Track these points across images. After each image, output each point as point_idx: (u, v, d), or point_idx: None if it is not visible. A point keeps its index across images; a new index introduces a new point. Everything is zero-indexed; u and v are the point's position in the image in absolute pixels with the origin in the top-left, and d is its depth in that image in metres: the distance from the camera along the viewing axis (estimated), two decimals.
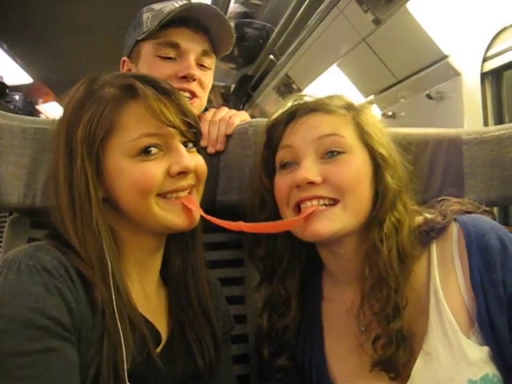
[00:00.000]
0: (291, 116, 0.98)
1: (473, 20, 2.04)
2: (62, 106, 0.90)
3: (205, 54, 1.30)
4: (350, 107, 0.98)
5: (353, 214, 0.90)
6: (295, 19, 3.00)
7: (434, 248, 0.92)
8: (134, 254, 0.89)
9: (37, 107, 6.71)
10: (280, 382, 1.03)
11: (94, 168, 0.83)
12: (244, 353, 1.21)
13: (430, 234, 0.93)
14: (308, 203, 0.90)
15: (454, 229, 0.91)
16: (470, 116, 2.07)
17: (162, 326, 0.91)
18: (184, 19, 1.26)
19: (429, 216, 0.95)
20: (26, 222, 1.15)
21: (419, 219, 0.95)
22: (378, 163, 0.92)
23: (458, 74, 2.13)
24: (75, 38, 4.50)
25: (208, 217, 0.89)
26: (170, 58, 1.26)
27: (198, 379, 0.93)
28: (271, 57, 3.70)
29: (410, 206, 0.95)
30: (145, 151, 0.83)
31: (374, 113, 1.02)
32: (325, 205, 0.90)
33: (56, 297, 0.72)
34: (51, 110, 7.03)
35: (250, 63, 4.21)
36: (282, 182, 0.94)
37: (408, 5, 2.07)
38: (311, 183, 0.89)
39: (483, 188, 1.16)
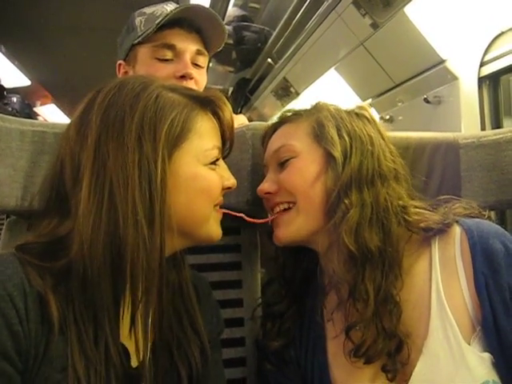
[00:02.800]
0: (271, 132, 1.09)
1: (470, 25, 2.05)
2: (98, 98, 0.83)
3: (199, 52, 1.37)
4: (314, 109, 1.05)
5: (307, 213, 0.96)
6: (293, 23, 3.01)
7: (435, 249, 0.93)
8: None
9: (35, 109, 6.73)
10: (279, 375, 1.04)
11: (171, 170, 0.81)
12: (241, 356, 1.20)
13: (428, 232, 0.93)
14: (274, 211, 1.01)
15: (457, 231, 0.92)
16: (467, 120, 2.07)
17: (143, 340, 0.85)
18: (177, 20, 1.31)
19: (428, 214, 0.96)
20: (24, 225, 1.14)
21: (418, 216, 0.95)
22: (328, 160, 0.95)
23: (455, 78, 2.13)
24: (73, 40, 4.51)
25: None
26: (167, 60, 1.32)
27: None
28: (269, 60, 3.71)
29: (383, 194, 0.93)
30: (213, 162, 0.88)
31: (340, 108, 1.05)
32: (284, 209, 0.99)
33: None
34: (49, 113, 7.03)
35: (248, 66, 4.22)
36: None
37: (406, 9, 2.08)
38: (269, 193, 1.01)
39: (480, 192, 1.16)
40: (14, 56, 4.81)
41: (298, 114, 1.05)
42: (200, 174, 0.86)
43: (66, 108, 7.06)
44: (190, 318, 0.95)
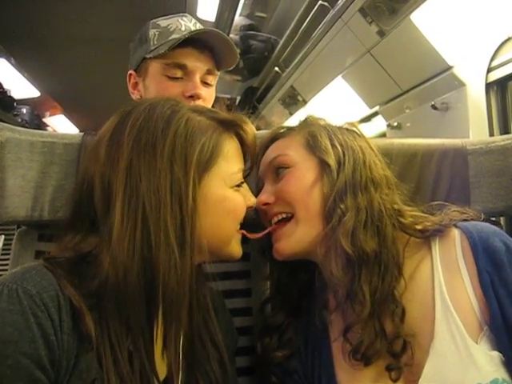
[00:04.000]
0: (264, 149, 1.10)
1: (477, 30, 2.04)
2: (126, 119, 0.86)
3: (209, 72, 1.37)
4: (305, 124, 1.08)
5: (306, 222, 0.97)
6: (300, 31, 3.03)
7: (436, 251, 0.94)
8: None
9: (44, 120, 6.76)
10: None
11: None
12: (249, 365, 1.20)
13: (425, 233, 0.95)
14: (272, 221, 1.01)
15: (456, 234, 0.93)
16: (475, 126, 2.06)
17: (174, 362, 0.86)
18: (190, 40, 1.31)
19: (424, 216, 0.99)
20: (34, 235, 1.15)
21: (413, 218, 0.98)
22: (323, 167, 0.98)
23: (462, 84, 2.13)
24: (82, 51, 4.55)
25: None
26: (176, 78, 1.33)
27: None
28: (276, 69, 3.72)
29: (379, 202, 0.95)
30: (239, 185, 0.92)
31: (331, 122, 1.08)
32: (282, 219, 1.00)
33: (33, 328, 0.69)
34: (58, 123, 7.08)
35: (256, 75, 4.24)
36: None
37: (412, 16, 2.08)
38: (267, 204, 1.01)
39: (489, 198, 1.16)
40: (24, 67, 4.86)
41: (290, 129, 1.09)
42: (227, 197, 0.88)
43: (75, 118, 7.10)
44: (210, 333, 0.96)
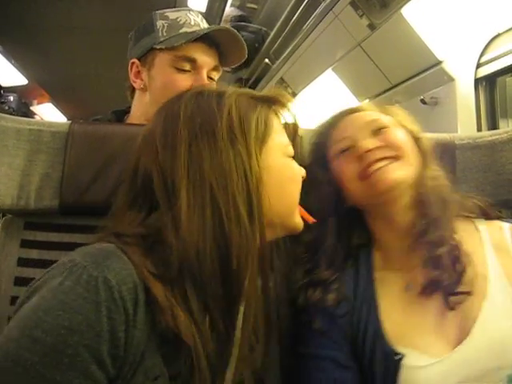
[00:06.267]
0: (334, 122, 1.16)
1: (467, 26, 2.05)
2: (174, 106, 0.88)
3: (215, 68, 1.41)
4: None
5: (410, 167, 1.04)
6: (291, 23, 3.02)
7: (484, 230, 1.05)
8: None
9: (31, 108, 6.71)
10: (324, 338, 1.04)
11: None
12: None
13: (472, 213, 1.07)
14: (373, 166, 1.03)
15: (503, 225, 1.05)
16: (463, 121, 2.08)
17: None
18: (202, 35, 1.32)
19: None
20: (20, 224, 1.14)
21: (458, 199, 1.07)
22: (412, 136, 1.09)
23: (452, 79, 2.14)
24: (70, 39, 4.51)
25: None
26: (184, 71, 1.35)
27: None
28: (266, 60, 3.71)
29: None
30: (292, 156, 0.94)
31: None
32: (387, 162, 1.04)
33: (103, 322, 0.66)
34: (46, 111, 7.02)
35: (245, 67, 4.22)
36: (346, 161, 1.08)
37: (403, 10, 2.08)
38: (370, 151, 1.04)
39: (476, 193, 1.17)
40: (11, 55, 4.81)
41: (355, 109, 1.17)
42: (287, 164, 0.91)
43: (62, 107, 7.05)
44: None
